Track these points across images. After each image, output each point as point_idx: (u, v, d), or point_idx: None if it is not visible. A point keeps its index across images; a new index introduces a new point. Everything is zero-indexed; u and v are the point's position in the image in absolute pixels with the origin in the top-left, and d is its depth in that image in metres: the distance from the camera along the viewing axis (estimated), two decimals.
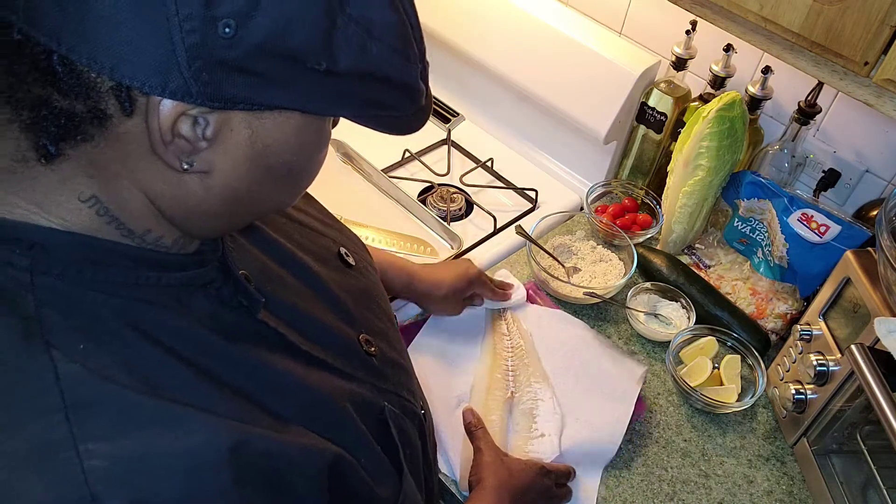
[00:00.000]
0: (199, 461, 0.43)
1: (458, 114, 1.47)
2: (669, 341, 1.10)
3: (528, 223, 1.28)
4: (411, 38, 0.46)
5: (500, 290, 1.11)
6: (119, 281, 0.46)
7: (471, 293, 1.07)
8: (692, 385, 1.05)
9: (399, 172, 1.41)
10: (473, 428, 0.92)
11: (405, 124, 0.52)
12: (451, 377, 1.04)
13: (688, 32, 1.15)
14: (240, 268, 0.55)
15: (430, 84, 0.52)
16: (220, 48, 0.38)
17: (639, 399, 1.03)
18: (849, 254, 0.93)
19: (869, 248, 0.93)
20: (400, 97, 0.48)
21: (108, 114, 0.40)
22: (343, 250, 0.72)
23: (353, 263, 0.72)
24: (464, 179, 1.40)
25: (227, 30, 0.38)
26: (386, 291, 0.93)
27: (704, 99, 1.20)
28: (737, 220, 1.20)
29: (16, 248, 0.43)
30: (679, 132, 1.20)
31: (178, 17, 0.37)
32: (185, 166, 0.43)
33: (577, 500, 0.93)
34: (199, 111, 0.41)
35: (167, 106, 0.40)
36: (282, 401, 0.51)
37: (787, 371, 1.02)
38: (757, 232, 1.18)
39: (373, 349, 0.65)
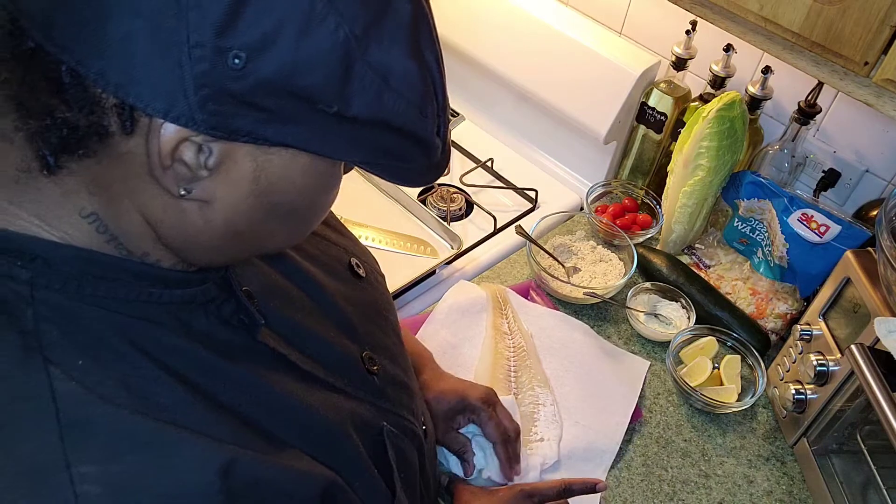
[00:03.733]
0: (191, 487, 0.42)
1: (458, 114, 1.47)
2: (669, 341, 1.10)
3: (528, 223, 1.28)
4: (431, 92, 0.45)
5: (507, 447, 0.87)
6: (120, 297, 0.45)
7: (465, 418, 0.87)
8: (692, 385, 1.05)
9: None
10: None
11: (418, 177, 0.50)
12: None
13: (688, 32, 1.15)
14: (243, 284, 0.54)
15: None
16: (229, 79, 0.38)
17: (637, 405, 1.04)
18: (849, 254, 0.93)
19: (869, 248, 0.93)
20: (412, 149, 0.47)
21: (109, 131, 0.39)
22: (354, 261, 0.71)
23: (364, 275, 0.71)
24: (464, 179, 1.40)
25: (236, 61, 0.37)
26: None
27: (704, 99, 1.20)
28: (737, 220, 1.20)
29: (17, 261, 0.42)
30: (679, 132, 1.20)
31: (189, 44, 0.36)
32: (183, 192, 0.42)
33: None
34: (202, 139, 0.40)
35: (169, 130, 0.39)
36: (279, 422, 0.50)
37: (787, 371, 1.02)
38: (757, 232, 1.18)
39: (375, 367, 0.64)
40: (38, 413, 0.40)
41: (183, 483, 0.42)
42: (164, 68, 0.37)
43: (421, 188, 1.37)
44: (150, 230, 0.45)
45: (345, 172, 0.52)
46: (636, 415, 1.03)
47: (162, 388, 0.45)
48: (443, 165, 0.50)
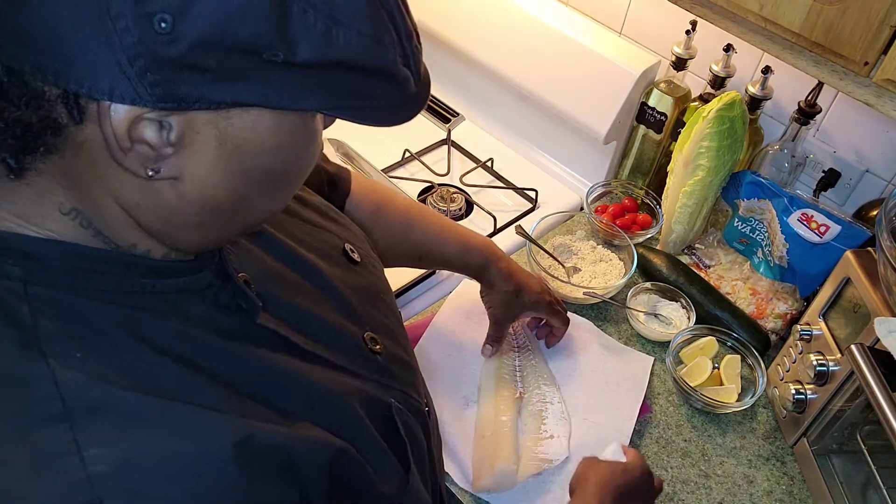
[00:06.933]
0: (205, 459, 0.42)
1: (458, 114, 1.47)
2: (669, 341, 1.10)
3: (528, 223, 1.28)
4: (385, 19, 0.42)
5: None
6: (112, 288, 0.45)
7: (527, 315, 1.06)
8: (692, 385, 1.05)
9: (399, 172, 1.41)
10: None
11: (396, 115, 0.47)
12: (457, 377, 1.04)
13: (688, 32, 1.15)
14: (238, 270, 0.54)
15: (431, 84, 0.49)
16: (160, 45, 0.36)
17: (644, 399, 1.04)
18: (849, 254, 0.93)
19: (869, 248, 0.93)
20: (380, 85, 0.44)
21: (61, 123, 0.38)
22: (348, 246, 0.71)
23: (359, 260, 0.71)
24: (464, 179, 1.40)
25: (163, 24, 0.35)
26: (454, 267, 1.00)
27: (704, 99, 1.20)
28: (737, 220, 1.20)
29: (7, 259, 0.42)
30: (679, 132, 1.20)
31: (110, 16, 0.35)
32: (151, 173, 0.41)
33: None
34: (157, 114, 0.39)
35: (119, 111, 0.38)
36: (287, 398, 0.51)
37: (787, 371, 1.02)
38: (757, 232, 1.18)
39: (378, 347, 0.64)
40: (44, 402, 0.40)
41: (197, 455, 0.42)
42: (94, 47, 0.36)
43: (421, 188, 1.37)
44: (130, 219, 0.45)
45: (326, 126, 0.50)
46: (644, 409, 1.03)
47: (166, 372, 0.45)
48: (422, 97, 0.47)
